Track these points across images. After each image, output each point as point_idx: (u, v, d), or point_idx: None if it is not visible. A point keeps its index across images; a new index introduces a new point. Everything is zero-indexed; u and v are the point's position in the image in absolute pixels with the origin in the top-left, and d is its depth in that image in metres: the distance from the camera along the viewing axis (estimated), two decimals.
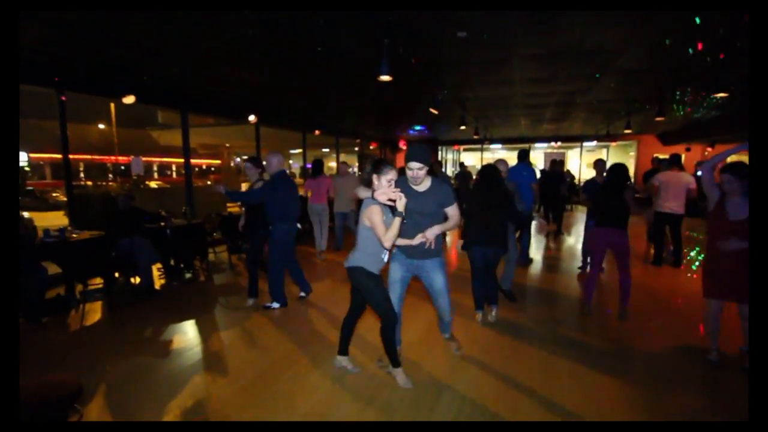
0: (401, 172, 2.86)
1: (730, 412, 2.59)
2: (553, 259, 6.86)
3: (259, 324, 4.02)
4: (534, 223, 8.31)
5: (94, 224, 5.27)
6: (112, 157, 25.08)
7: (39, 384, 1.92)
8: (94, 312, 4.39)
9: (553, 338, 3.66)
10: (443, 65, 5.42)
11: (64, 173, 5.77)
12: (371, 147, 16.96)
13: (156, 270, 5.54)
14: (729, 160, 3.49)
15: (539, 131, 13.99)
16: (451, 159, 20.68)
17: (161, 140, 25.22)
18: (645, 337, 3.69)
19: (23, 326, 3.92)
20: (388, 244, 2.51)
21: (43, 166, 26.25)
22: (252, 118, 8.05)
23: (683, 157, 6.87)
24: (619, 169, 4.03)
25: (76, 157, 24.53)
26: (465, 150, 20.96)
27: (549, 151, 20.11)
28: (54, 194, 18.49)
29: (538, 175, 6.92)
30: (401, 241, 2.78)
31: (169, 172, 32.98)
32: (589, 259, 5.90)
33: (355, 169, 15.82)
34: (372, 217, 2.55)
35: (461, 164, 18.30)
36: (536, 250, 7.29)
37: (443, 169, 13.77)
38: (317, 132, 11.05)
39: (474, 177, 7.42)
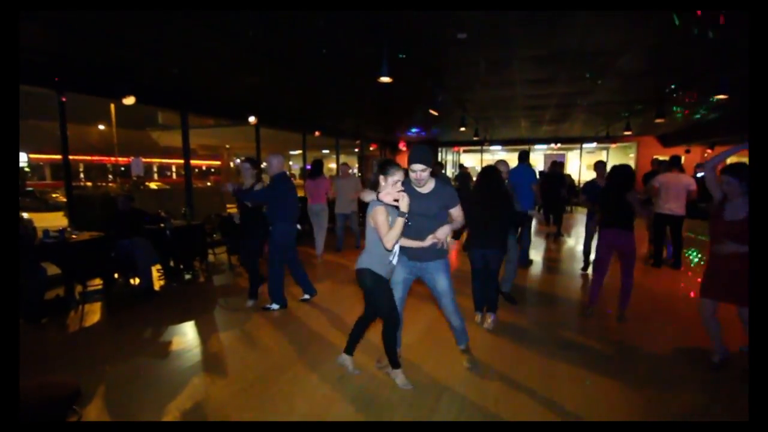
0: (405, 173, 2.86)
1: (730, 412, 2.59)
2: (553, 260, 6.86)
3: (259, 325, 4.02)
4: (534, 222, 8.29)
5: (93, 225, 5.27)
6: (112, 158, 25.11)
7: (38, 385, 1.92)
8: (94, 313, 4.38)
9: (554, 340, 3.65)
10: (443, 67, 5.43)
11: (63, 174, 5.77)
12: (371, 148, 16.97)
13: (155, 271, 5.53)
14: (729, 161, 3.48)
15: (539, 133, 14.01)
16: (450, 160, 20.69)
17: (161, 141, 25.24)
18: (645, 339, 3.68)
19: (22, 327, 3.91)
20: (389, 244, 2.50)
21: (42, 167, 26.28)
22: (252, 119, 8.05)
23: (683, 158, 6.88)
24: (624, 169, 4.02)
25: (76, 157, 24.58)
26: (465, 151, 20.98)
27: (549, 152, 20.14)
28: (54, 195, 18.48)
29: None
30: (411, 243, 2.75)
31: (168, 173, 33.01)
32: (592, 259, 5.91)
33: (355, 171, 15.82)
34: (375, 217, 2.54)
35: (461, 166, 18.32)
36: (536, 252, 7.29)
37: (443, 171, 13.77)
38: (317, 133, 11.06)
39: (474, 178, 7.42)
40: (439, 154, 18.11)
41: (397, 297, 2.86)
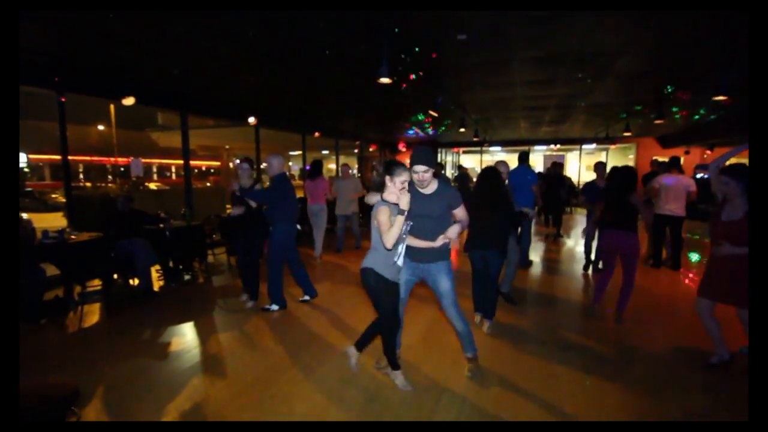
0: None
1: (730, 412, 2.59)
2: (552, 261, 6.86)
3: (258, 326, 4.01)
4: (533, 222, 8.28)
5: (93, 226, 5.26)
6: (112, 159, 25.09)
7: (37, 385, 1.91)
8: (93, 314, 4.38)
9: (553, 340, 3.65)
10: (443, 68, 5.43)
11: (63, 174, 5.76)
12: (371, 149, 16.97)
13: (155, 272, 5.53)
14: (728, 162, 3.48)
15: (538, 134, 14.02)
16: (450, 161, 20.70)
17: (161, 142, 25.27)
18: (645, 339, 3.68)
19: (21, 328, 3.90)
20: (389, 244, 2.50)
21: (42, 168, 26.26)
22: (252, 119, 8.05)
23: (682, 159, 6.88)
24: (627, 171, 4.02)
25: (76, 158, 24.57)
26: (464, 152, 20.98)
27: (548, 153, 20.16)
28: (53, 195, 18.47)
29: None
30: (421, 243, 2.73)
31: (168, 174, 33.00)
32: (593, 259, 5.92)
33: (355, 171, 15.82)
34: (378, 216, 2.54)
35: (459, 166, 18.32)
36: (536, 253, 7.29)
37: (443, 171, 13.78)
38: (317, 134, 11.06)
39: (473, 179, 7.42)
40: (439, 155, 18.11)
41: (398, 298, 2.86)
